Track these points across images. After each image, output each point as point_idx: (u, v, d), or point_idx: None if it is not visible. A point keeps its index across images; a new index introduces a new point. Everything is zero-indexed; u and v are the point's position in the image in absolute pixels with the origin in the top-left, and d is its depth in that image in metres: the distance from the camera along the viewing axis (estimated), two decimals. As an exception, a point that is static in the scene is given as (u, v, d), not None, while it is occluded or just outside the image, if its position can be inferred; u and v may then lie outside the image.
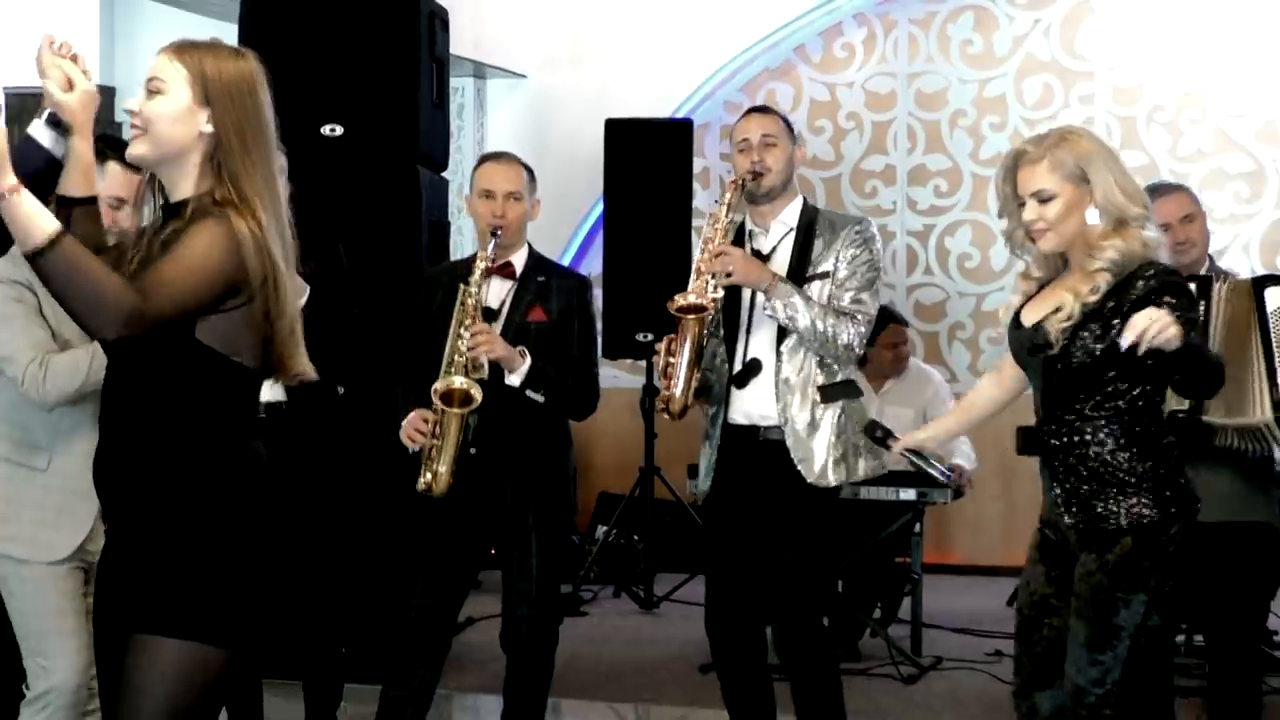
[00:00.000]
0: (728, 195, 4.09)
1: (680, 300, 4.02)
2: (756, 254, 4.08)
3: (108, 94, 7.54)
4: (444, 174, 6.03)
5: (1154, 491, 3.17)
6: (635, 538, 7.22)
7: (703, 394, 4.12)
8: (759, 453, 4.05)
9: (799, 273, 4.04)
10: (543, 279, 4.22)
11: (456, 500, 4.08)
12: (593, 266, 8.07)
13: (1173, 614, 3.78)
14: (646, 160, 7.08)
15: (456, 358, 4.03)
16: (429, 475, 4.05)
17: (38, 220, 2.41)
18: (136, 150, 2.65)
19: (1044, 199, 3.21)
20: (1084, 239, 3.22)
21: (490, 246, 4.12)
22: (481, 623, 5.97)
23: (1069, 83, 7.87)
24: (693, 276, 4.06)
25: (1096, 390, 3.19)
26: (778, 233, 4.12)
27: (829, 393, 4.02)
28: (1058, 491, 3.24)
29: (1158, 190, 4.14)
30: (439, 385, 4.00)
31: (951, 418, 3.72)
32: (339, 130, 5.59)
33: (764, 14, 8.01)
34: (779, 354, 4.03)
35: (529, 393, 4.08)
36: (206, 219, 2.55)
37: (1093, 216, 3.21)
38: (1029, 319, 3.31)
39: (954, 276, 8.04)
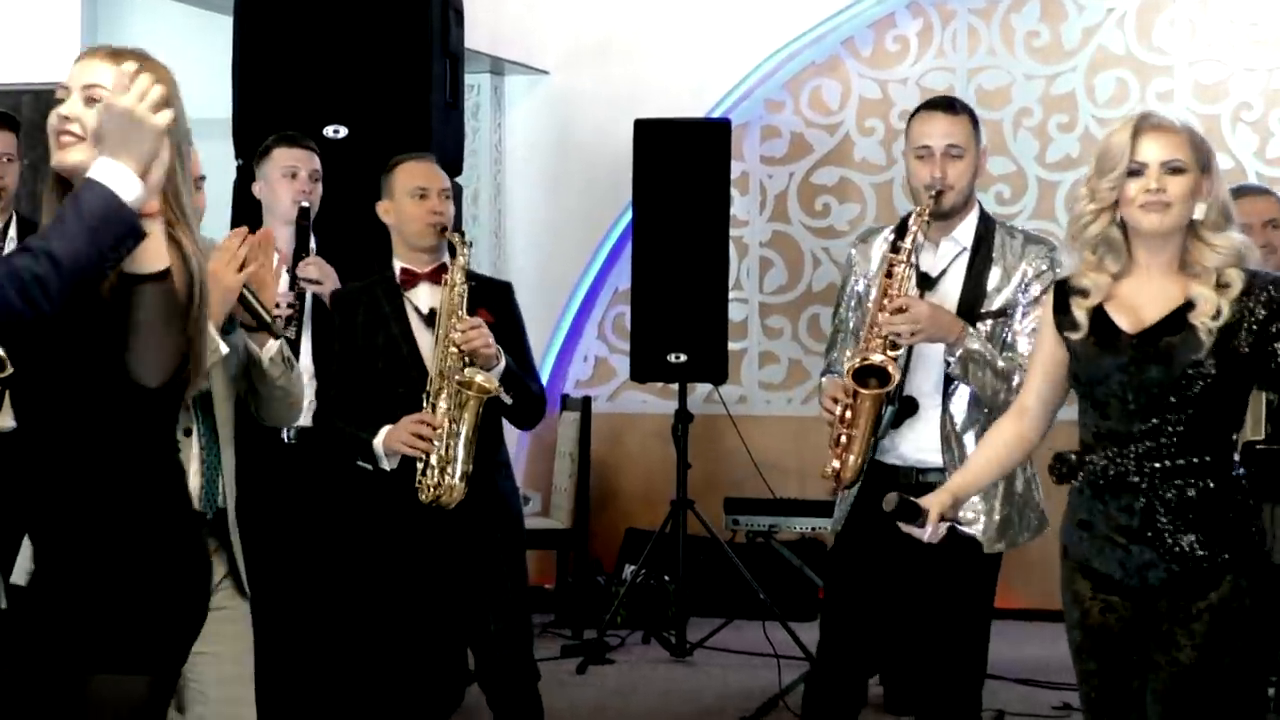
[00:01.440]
0: (912, 232, 3.96)
1: (857, 361, 3.91)
2: (923, 276, 4.03)
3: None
4: (458, 179, 6.04)
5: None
6: (666, 578, 7.21)
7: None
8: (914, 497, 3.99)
9: (971, 307, 3.98)
10: (474, 284, 4.32)
11: (431, 529, 4.21)
12: (620, 280, 8.09)
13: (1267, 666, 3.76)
14: (680, 164, 7.09)
15: (450, 349, 4.15)
16: (438, 480, 4.15)
17: (161, 249, 2.68)
18: (71, 158, 2.74)
19: (1176, 170, 3.17)
20: (1190, 233, 3.20)
21: (459, 244, 4.23)
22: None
23: (1146, 78, 7.86)
24: (864, 329, 3.96)
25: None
26: (949, 251, 4.07)
27: None
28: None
29: (1244, 191, 4.24)
30: (462, 378, 4.12)
31: (980, 460, 3.50)
32: (343, 132, 5.62)
33: (809, 4, 8.01)
34: (947, 394, 3.99)
35: (502, 394, 4.18)
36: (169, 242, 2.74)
37: (1200, 210, 3.19)
38: (1127, 323, 3.22)
39: (1018, 291, 8.03)
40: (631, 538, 7.78)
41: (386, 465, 4.21)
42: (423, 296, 4.30)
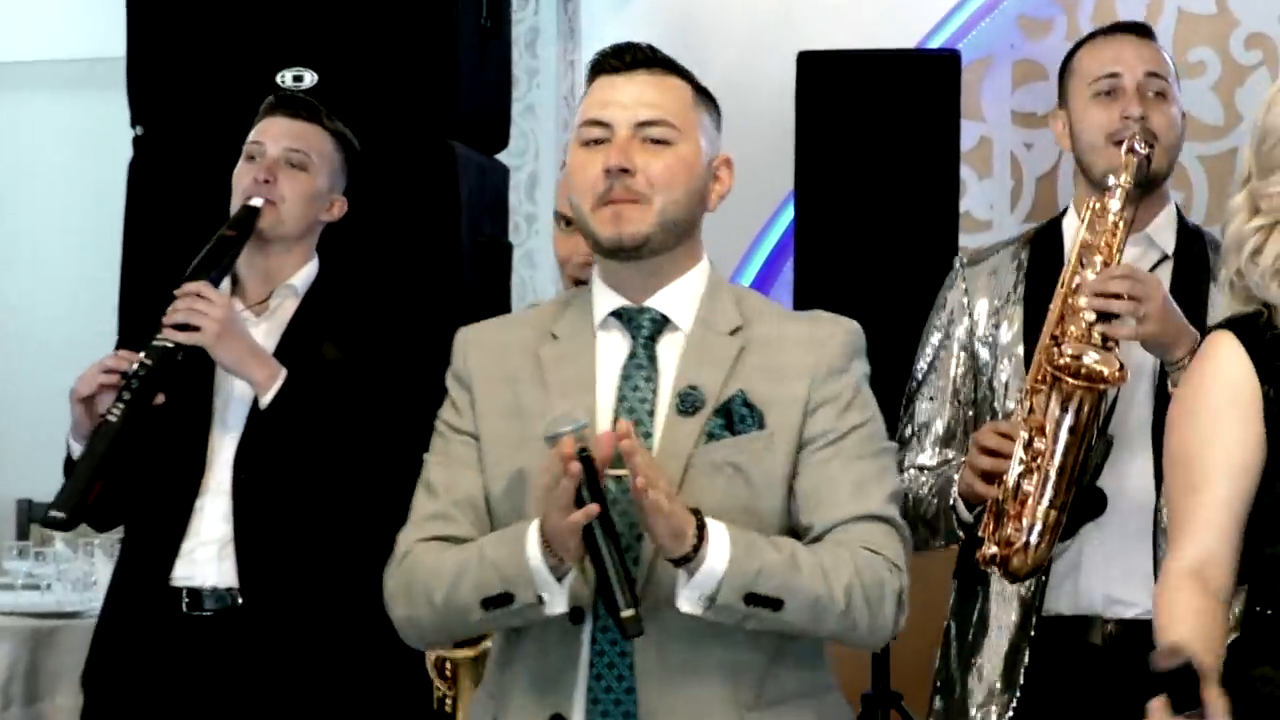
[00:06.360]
0: (1126, 173, 4.22)
1: (1067, 357, 4.01)
2: None
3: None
4: (501, 156, 6.13)
5: None
6: (859, 823, 7.12)
7: None
8: (1107, 666, 4.06)
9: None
10: None
11: None
12: (779, 301, 7.99)
13: None
14: (874, 125, 7.04)
15: None
16: None
17: None
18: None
19: None
20: None
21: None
22: None
23: None
24: (1054, 312, 4.11)
25: None
26: (1143, 256, 4.32)
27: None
28: None
29: None
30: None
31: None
32: (307, 79, 5.68)
33: None
34: (1161, 482, 3.98)
35: None
36: None
37: None
38: None
39: None
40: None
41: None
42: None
